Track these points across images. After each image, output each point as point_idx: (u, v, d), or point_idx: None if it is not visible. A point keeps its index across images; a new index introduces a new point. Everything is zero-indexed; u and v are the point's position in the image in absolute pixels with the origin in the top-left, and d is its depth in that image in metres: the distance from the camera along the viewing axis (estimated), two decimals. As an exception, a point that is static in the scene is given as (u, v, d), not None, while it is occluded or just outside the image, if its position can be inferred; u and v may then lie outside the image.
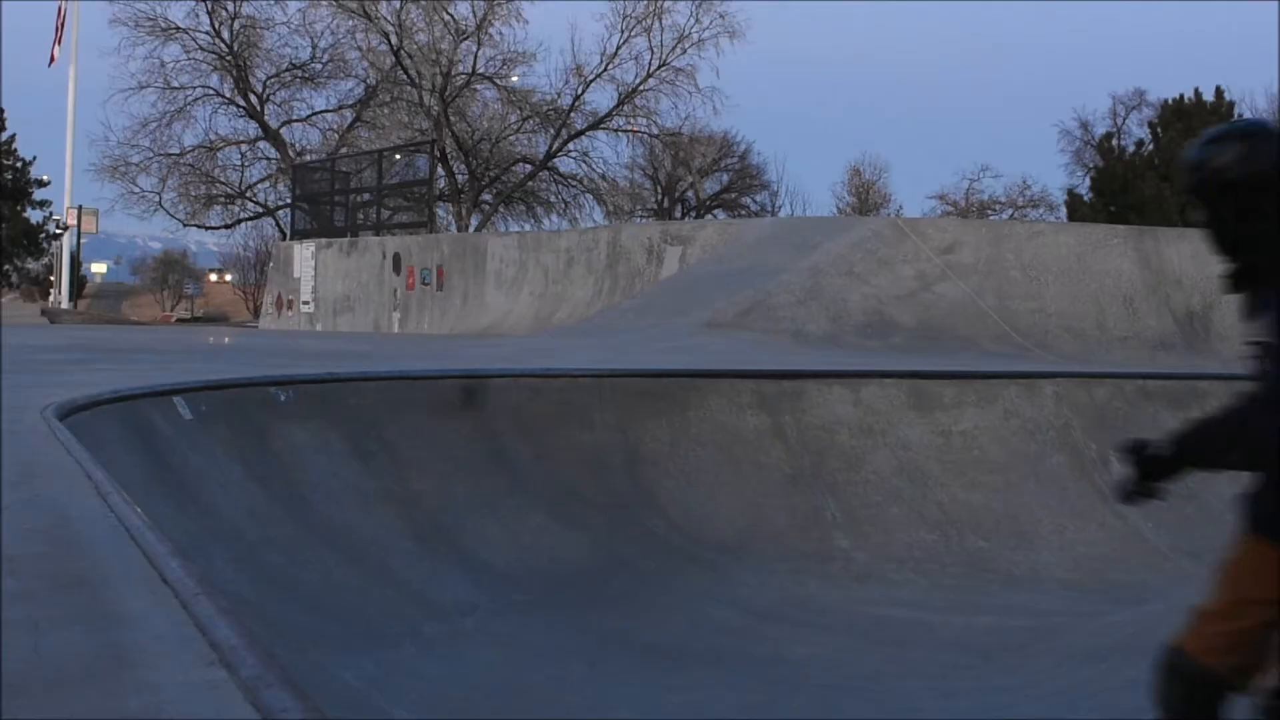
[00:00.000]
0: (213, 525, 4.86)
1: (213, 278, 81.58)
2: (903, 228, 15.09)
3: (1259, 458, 2.84)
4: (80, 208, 42.54)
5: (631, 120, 43.06)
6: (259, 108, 43.08)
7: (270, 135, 43.19)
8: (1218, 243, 2.98)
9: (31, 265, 61.21)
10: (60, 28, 41.28)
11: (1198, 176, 3.00)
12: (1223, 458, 3.01)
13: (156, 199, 42.93)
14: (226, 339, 15.42)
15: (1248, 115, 39.93)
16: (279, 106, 43.64)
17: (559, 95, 42.77)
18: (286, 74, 43.04)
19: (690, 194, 49.64)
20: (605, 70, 42.13)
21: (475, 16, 41.39)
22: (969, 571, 7.37)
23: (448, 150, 40.26)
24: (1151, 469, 2.95)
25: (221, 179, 43.95)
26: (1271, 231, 2.87)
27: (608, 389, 7.50)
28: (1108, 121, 47.82)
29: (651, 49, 41.72)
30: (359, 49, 42.28)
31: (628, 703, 4.83)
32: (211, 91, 42.58)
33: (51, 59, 41.74)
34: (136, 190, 42.49)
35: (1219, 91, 36.78)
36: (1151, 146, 37.16)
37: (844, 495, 7.69)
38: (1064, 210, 40.56)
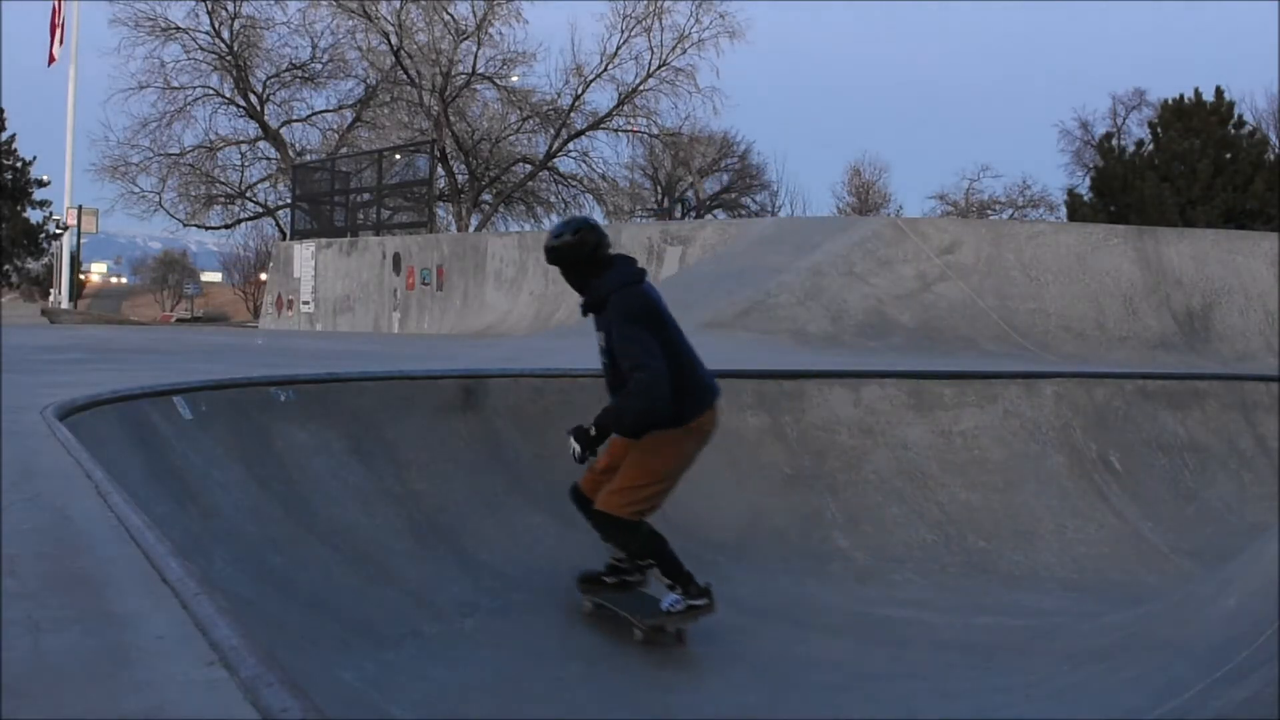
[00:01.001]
0: (213, 525, 4.86)
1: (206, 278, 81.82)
2: (903, 228, 15.09)
3: (633, 430, 5.28)
4: (80, 208, 42.52)
5: (631, 120, 43.06)
6: (259, 108, 43.07)
7: (270, 135, 43.19)
8: (575, 287, 5.48)
9: (32, 265, 61.21)
10: (60, 27, 41.23)
11: (554, 254, 5.42)
12: (619, 430, 5.29)
13: (156, 199, 42.96)
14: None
15: (1248, 115, 39.99)
16: (279, 106, 43.68)
17: (559, 95, 42.80)
18: (286, 74, 43.05)
19: (690, 194, 49.64)
20: (605, 70, 42.15)
21: (475, 16, 41.40)
22: (969, 571, 7.36)
23: (448, 150, 40.27)
24: (588, 440, 5.25)
25: (221, 179, 43.95)
26: (594, 281, 5.38)
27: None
28: (1108, 121, 47.89)
29: (651, 49, 41.74)
30: (359, 49, 42.30)
31: (628, 703, 4.83)
32: (211, 91, 42.60)
33: (51, 59, 41.69)
34: (136, 190, 42.53)
35: (1219, 91, 36.74)
36: (1152, 146, 37.13)
37: (844, 495, 7.69)
38: (1064, 210, 40.54)
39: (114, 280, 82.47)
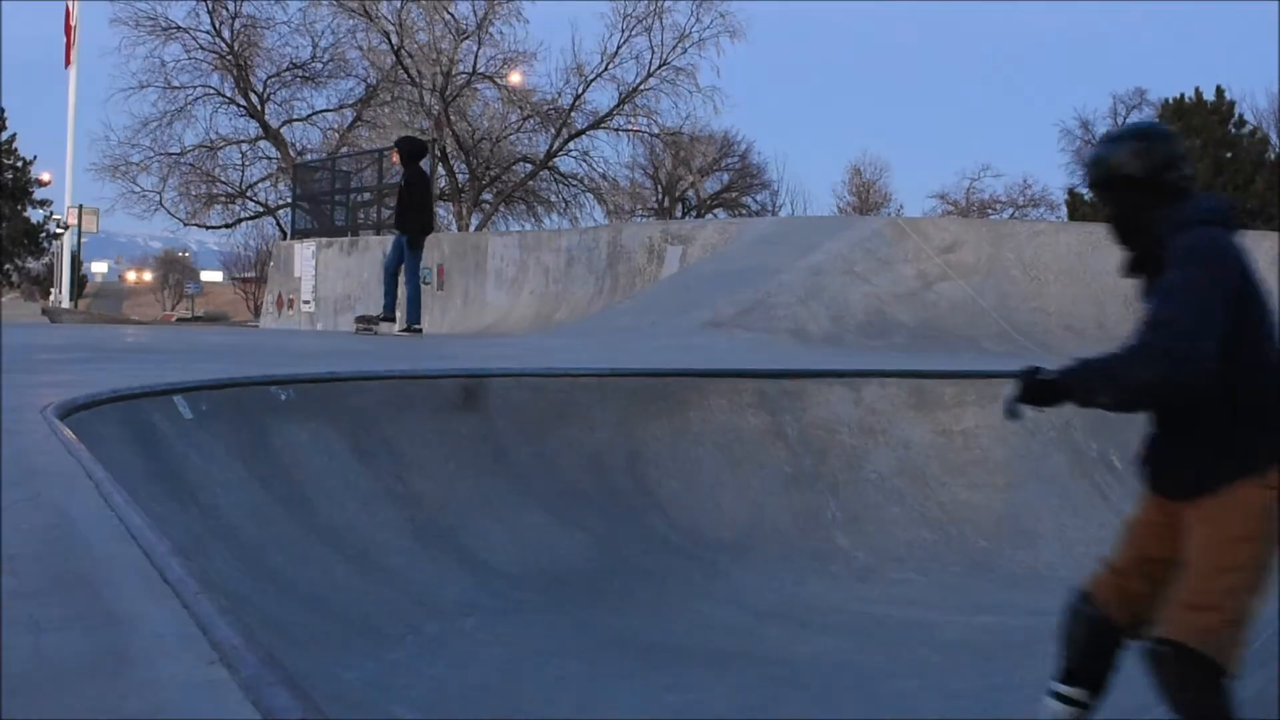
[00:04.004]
0: (213, 525, 4.86)
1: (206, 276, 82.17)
2: (903, 227, 15.09)
3: (1124, 402, 3.50)
4: (81, 207, 42.52)
5: (632, 120, 43.08)
6: (259, 107, 43.07)
7: (271, 134, 43.18)
8: (1119, 232, 3.47)
9: (32, 264, 61.24)
10: (71, 30, 41.21)
11: (1100, 172, 3.47)
12: (1094, 397, 3.48)
13: (157, 198, 43.00)
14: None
15: (1248, 115, 39.96)
16: (279, 106, 43.69)
17: (559, 95, 42.82)
18: (287, 73, 43.05)
19: (691, 193, 49.64)
20: (606, 69, 42.16)
21: (476, 16, 41.41)
22: (969, 571, 7.36)
23: (448, 149, 40.27)
24: (1036, 392, 3.56)
25: (222, 178, 43.96)
26: (1159, 221, 3.33)
27: (608, 389, 7.49)
28: (1108, 121, 47.88)
29: (652, 48, 41.76)
30: (359, 48, 42.30)
31: (628, 703, 4.83)
32: (212, 91, 42.61)
33: (67, 60, 41.69)
34: (137, 189, 42.57)
35: (1219, 91, 36.76)
36: (1152, 146, 37.07)
37: (845, 495, 7.69)
38: (1065, 209, 40.55)
39: (96, 277, 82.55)
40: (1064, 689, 3.50)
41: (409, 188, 13.14)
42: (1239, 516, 3.15)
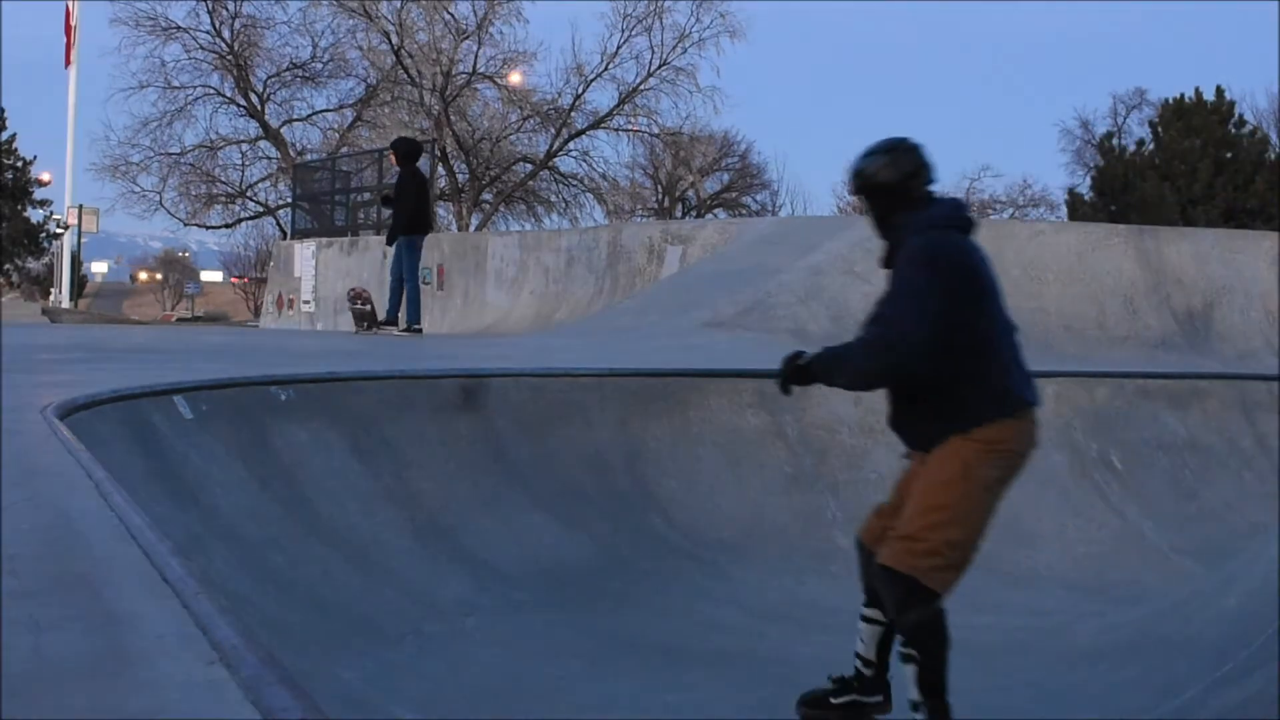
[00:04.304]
0: (213, 525, 4.86)
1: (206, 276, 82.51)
2: (903, 227, 15.07)
3: (854, 384, 4.37)
4: (81, 207, 42.53)
5: (632, 120, 43.07)
6: (259, 107, 43.07)
7: (271, 134, 43.18)
8: (878, 230, 4.16)
9: (32, 264, 61.24)
10: (72, 30, 41.21)
11: (858, 181, 4.14)
12: (833, 379, 4.24)
13: (157, 198, 42.97)
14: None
15: (1248, 115, 39.97)
16: (279, 106, 43.66)
17: (559, 95, 42.81)
18: (287, 73, 43.03)
19: (691, 193, 49.64)
20: (606, 69, 42.15)
21: (475, 16, 41.40)
22: (969, 571, 7.36)
23: (448, 149, 40.26)
24: (794, 374, 4.23)
25: (222, 178, 43.95)
26: (903, 223, 4.03)
27: (608, 389, 7.49)
28: (1108, 121, 47.92)
29: (652, 48, 41.74)
30: (359, 48, 42.28)
31: (628, 703, 4.83)
32: (212, 91, 42.60)
33: (68, 60, 41.68)
34: (137, 189, 42.53)
35: (1219, 91, 36.75)
36: (1152, 146, 37.14)
37: (845, 494, 7.69)
38: (1064, 210, 40.55)
39: (96, 277, 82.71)
40: (866, 610, 4.23)
41: (405, 188, 13.18)
42: (946, 464, 3.93)
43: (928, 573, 3.89)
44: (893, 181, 4.08)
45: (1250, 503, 8.76)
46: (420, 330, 13.67)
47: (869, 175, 4.12)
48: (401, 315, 13.60)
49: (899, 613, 3.95)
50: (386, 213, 25.48)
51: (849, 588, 6.86)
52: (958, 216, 4.13)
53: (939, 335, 3.84)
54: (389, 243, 13.38)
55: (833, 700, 4.26)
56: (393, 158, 14.05)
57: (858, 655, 4.24)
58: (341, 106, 43.92)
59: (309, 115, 44.04)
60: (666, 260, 17.22)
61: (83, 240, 47.43)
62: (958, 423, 3.94)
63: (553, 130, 43.01)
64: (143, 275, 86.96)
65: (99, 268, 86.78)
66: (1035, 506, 8.08)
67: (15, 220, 56.71)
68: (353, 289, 16.67)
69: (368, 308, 15.35)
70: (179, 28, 41.36)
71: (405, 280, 13.24)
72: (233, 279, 78.28)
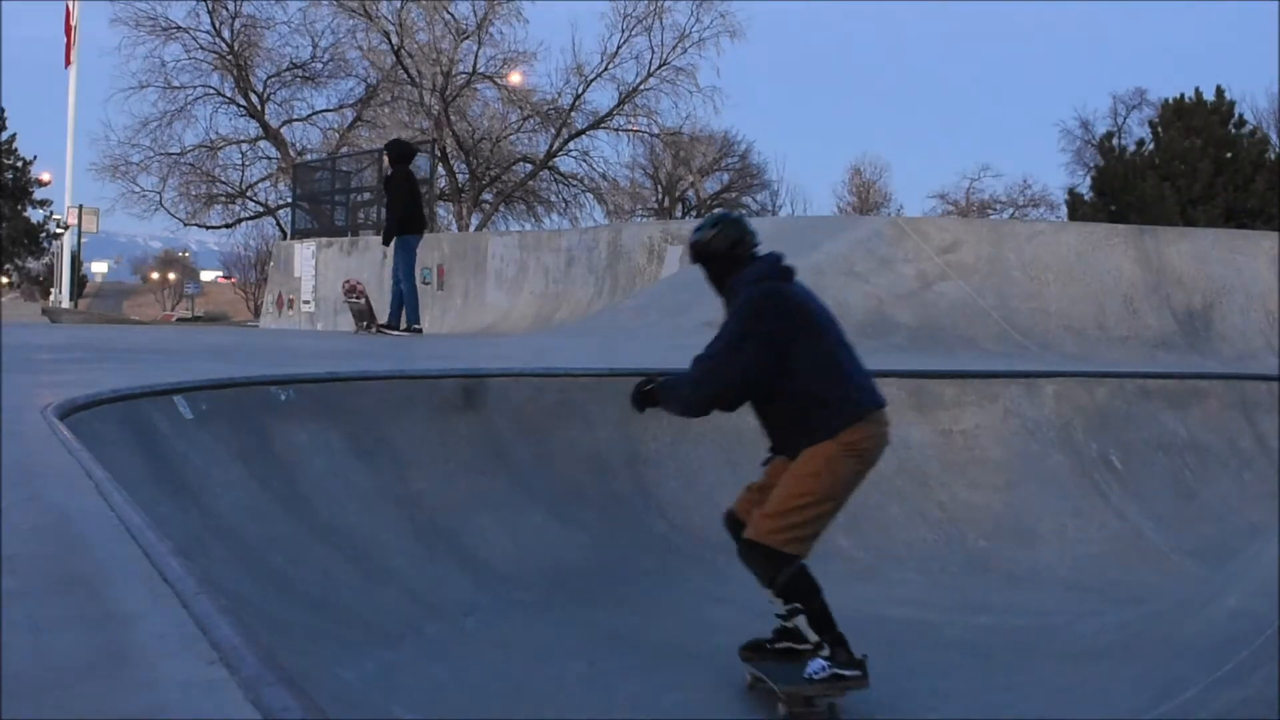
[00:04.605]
0: (213, 525, 4.86)
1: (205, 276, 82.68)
2: (903, 227, 15.08)
3: (682, 411, 5.11)
4: (81, 207, 42.54)
5: (632, 119, 43.10)
6: (259, 107, 43.08)
7: (271, 134, 43.19)
8: (715, 289, 5.08)
9: (32, 264, 61.26)
10: (72, 30, 41.22)
11: (695, 251, 5.07)
12: (669, 406, 5.06)
13: (157, 198, 42.99)
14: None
15: (1248, 115, 39.95)
16: (279, 106, 43.70)
17: (559, 95, 42.83)
18: (287, 73, 43.07)
19: (691, 193, 49.64)
20: (606, 69, 42.19)
21: (475, 16, 41.42)
22: (969, 571, 7.36)
23: (448, 150, 40.26)
24: (642, 399, 5.09)
25: (222, 178, 43.97)
26: (733, 282, 4.94)
27: (608, 389, 7.49)
28: (1108, 121, 47.97)
29: (652, 48, 41.79)
30: (359, 48, 42.32)
31: (627, 703, 4.83)
32: (212, 91, 42.62)
33: (67, 60, 41.69)
34: (137, 189, 42.55)
35: (1219, 91, 36.75)
36: (1152, 146, 37.14)
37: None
38: (1064, 209, 40.56)
39: (96, 276, 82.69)
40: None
41: (398, 188, 13.27)
42: (813, 461, 4.74)
43: (786, 544, 4.75)
44: (723, 249, 4.98)
45: (1250, 503, 8.76)
46: (420, 330, 13.68)
47: (703, 245, 5.02)
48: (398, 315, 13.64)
49: (770, 580, 4.81)
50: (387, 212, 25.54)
51: (849, 588, 6.86)
52: (778, 269, 4.98)
53: (749, 375, 4.76)
54: (385, 243, 13.48)
55: (769, 645, 5.02)
56: (386, 160, 14.11)
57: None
58: (341, 106, 43.97)
59: (309, 115, 44.12)
60: (666, 260, 17.22)
61: (83, 240, 47.45)
62: (821, 433, 4.75)
63: (553, 130, 43.02)
64: (154, 275, 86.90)
65: (99, 268, 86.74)
66: (1035, 506, 8.08)
67: (15, 220, 56.71)
68: (346, 280, 16.69)
69: (362, 301, 15.38)
70: (179, 28, 41.43)
71: (401, 280, 13.30)
72: (220, 278, 78.49)
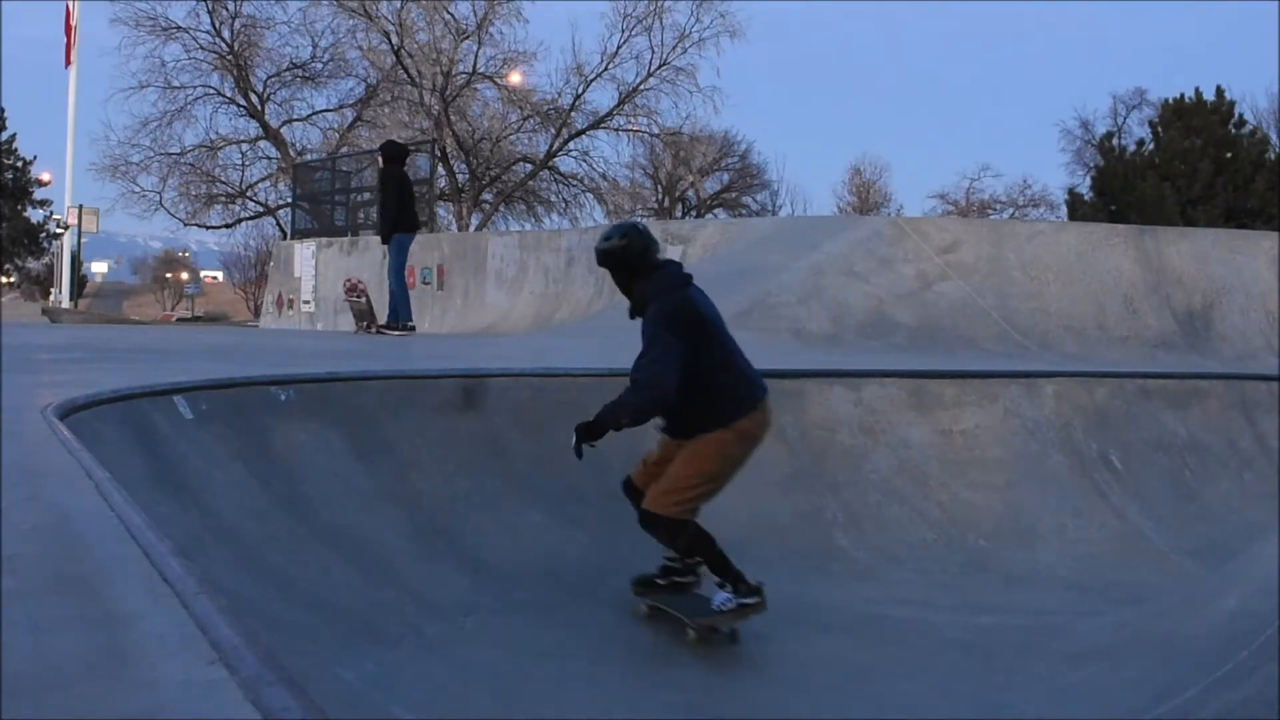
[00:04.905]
0: (213, 525, 4.86)
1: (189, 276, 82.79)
2: (903, 227, 15.08)
3: (635, 420, 5.44)
4: (81, 207, 42.51)
5: (632, 119, 43.07)
6: (259, 107, 43.06)
7: (271, 134, 43.17)
8: (623, 291, 5.65)
9: (32, 264, 61.26)
10: (72, 30, 41.20)
11: (602, 258, 5.60)
12: (619, 422, 5.37)
13: (157, 198, 42.93)
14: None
15: (1248, 115, 39.95)
16: (279, 106, 43.65)
17: (559, 95, 42.81)
18: (287, 73, 43.03)
19: (691, 193, 49.63)
20: (606, 69, 42.15)
21: (475, 16, 41.39)
22: (969, 571, 7.36)
23: (448, 150, 40.25)
24: (587, 434, 5.33)
25: (222, 178, 43.93)
26: (638, 284, 5.53)
27: (608, 389, 7.47)
28: (1108, 121, 47.94)
29: (652, 48, 41.74)
30: (359, 48, 42.27)
31: (627, 702, 4.83)
32: (212, 91, 42.58)
33: (68, 61, 41.66)
34: (137, 189, 42.50)
35: (1219, 91, 36.75)
36: (1152, 146, 37.13)
37: (844, 495, 7.69)
38: (1064, 209, 40.55)
39: (96, 276, 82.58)
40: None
41: (386, 187, 13.43)
42: (709, 446, 5.41)
43: (682, 514, 5.44)
44: (634, 257, 5.49)
45: (1250, 503, 8.76)
46: (413, 328, 13.73)
47: (616, 252, 5.52)
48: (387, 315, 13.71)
49: (671, 542, 5.56)
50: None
51: (849, 588, 6.87)
52: (680, 276, 5.58)
53: (682, 372, 5.26)
54: (384, 241, 13.62)
55: (659, 581, 5.80)
56: (380, 160, 14.27)
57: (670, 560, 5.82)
58: (341, 106, 43.94)
59: (309, 115, 44.07)
60: (666, 260, 17.20)
61: (83, 240, 47.41)
62: (718, 422, 5.41)
63: (553, 130, 43.00)
64: (166, 275, 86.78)
65: (99, 268, 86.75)
66: (1035, 506, 8.08)
67: (15, 220, 56.71)
68: (347, 280, 16.76)
69: (363, 300, 15.42)
70: (179, 28, 41.38)
71: (390, 278, 13.41)
72: (207, 278, 78.49)
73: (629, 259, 5.52)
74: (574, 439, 5.35)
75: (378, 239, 15.41)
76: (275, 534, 5.21)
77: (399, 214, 13.28)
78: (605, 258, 5.56)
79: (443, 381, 6.90)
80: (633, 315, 5.59)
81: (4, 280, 60.11)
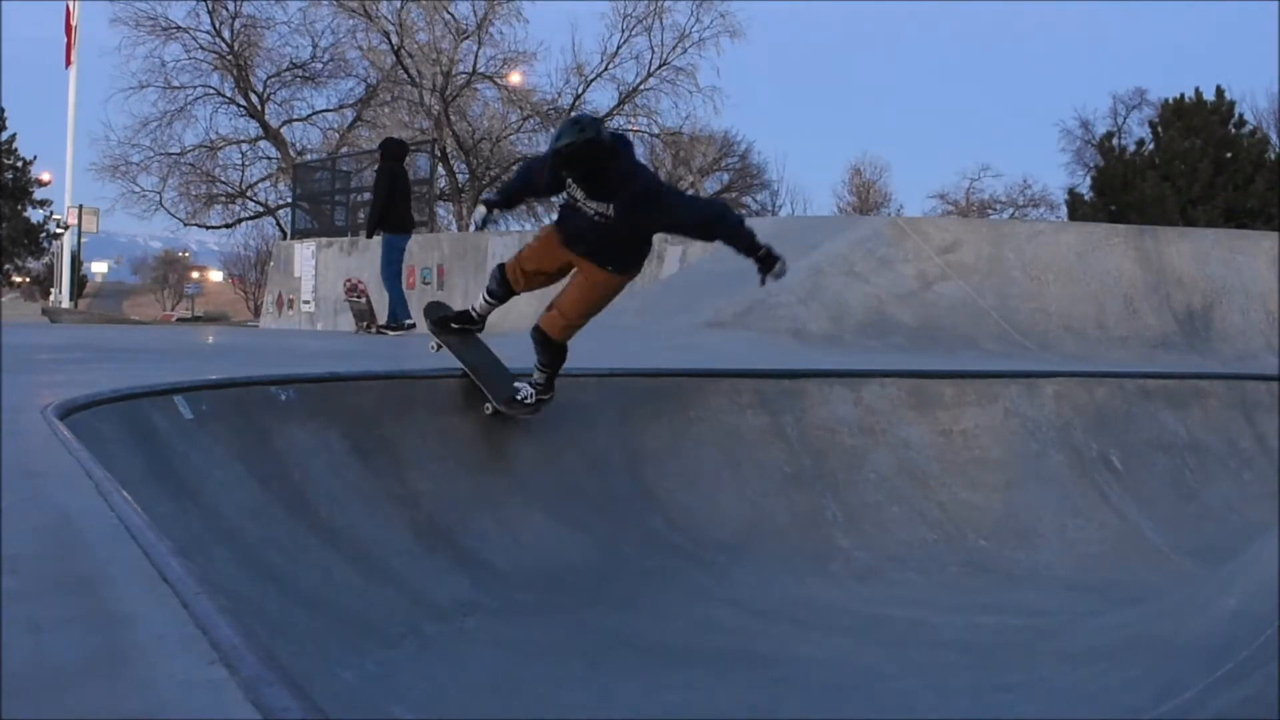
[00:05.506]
0: (213, 525, 4.86)
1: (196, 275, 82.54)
2: (903, 227, 15.08)
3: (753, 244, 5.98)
4: (81, 207, 42.49)
5: (632, 119, 43.05)
6: (259, 107, 43.05)
7: (271, 134, 43.15)
8: (588, 183, 5.87)
9: (32, 264, 61.27)
10: (72, 30, 41.18)
11: (594, 149, 5.75)
12: (755, 247, 5.95)
13: (157, 198, 42.92)
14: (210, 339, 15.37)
15: (1248, 115, 39.97)
16: (279, 106, 43.62)
17: (559, 95, 42.80)
18: (287, 73, 43.01)
19: (691, 193, 49.62)
20: (606, 69, 42.16)
21: (476, 16, 41.39)
22: (969, 571, 7.37)
23: (448, 149, 40.25)
24: (766, 259, 5.94)
25: (222, 178, 43.92)
26: (613, 168, 5.85)
27: (608, 389, 7.49)
28: (1108, 121, 47.94)
29: (652, 48, 41.75)
30: (359, 48, 42.25)
31: (628, 702, 4.83)
32: (212, 91, 42.57)
33: (68, 61, 41.66)
34: (137, 189, 42.49)
35: (1219, 91, 36.76)
36: (1152, 146, 37.14)
37: (844, 495, 7.69)
38: (1064, 209, 40.57)
39: (96, 276, 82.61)
40: (492, 303, 6.68)
41: (378, 183, 13.50)
42: (599, 285, 6.24)
43: (565, 339, 6.38)
44: (605, 147, 5.72)
45: (1250, 503, 8.76)
46: (412, 325, 13.73)
47: (600, 144, 5.70)
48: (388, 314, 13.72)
49: (549, 360, 6.43)
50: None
51: (849, 588, 6.87)
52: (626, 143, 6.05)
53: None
54: (368, 235, 13.74)
55: (452, 325, 6.73)
56: (379, 156, 14.35)
57: (476, 311, 6.70)
58: (341, 106, 43.92)
59: (309, 115, 44.04)
60: (666, 260, 17.22)
61: (83, 240, 47.39)
62: (632, 268, 6.26)
63: (552, 130, 42.96)
64: (169, 276, 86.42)
65: (99, 268, 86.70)
66: (1035, 506, 8.09)
67: (15, 220, 56.70)
68: (348, 280, 16.79)
69: (363, 300, 15.44)
70: (179, 28, 41.36)
71: (383, 278, 13.44)
72: (192, 278, 78.48)
73: (604, 150, 5.72)
74: (767, 262, 5.91)
75: (377, 239, 15.42)
76: (275, 534, 5.21)
77: (391, 212, 13.31)
78: (593, 150, 5.70)
79: (443, 381, 6.90)
80: (595, 197, 5.86)
81: (17, 280, 60.08)
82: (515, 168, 43.20)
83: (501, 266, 6.55)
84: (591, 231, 6.03)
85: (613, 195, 5.85)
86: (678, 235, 5.98)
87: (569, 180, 5.89)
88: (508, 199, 6.62)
